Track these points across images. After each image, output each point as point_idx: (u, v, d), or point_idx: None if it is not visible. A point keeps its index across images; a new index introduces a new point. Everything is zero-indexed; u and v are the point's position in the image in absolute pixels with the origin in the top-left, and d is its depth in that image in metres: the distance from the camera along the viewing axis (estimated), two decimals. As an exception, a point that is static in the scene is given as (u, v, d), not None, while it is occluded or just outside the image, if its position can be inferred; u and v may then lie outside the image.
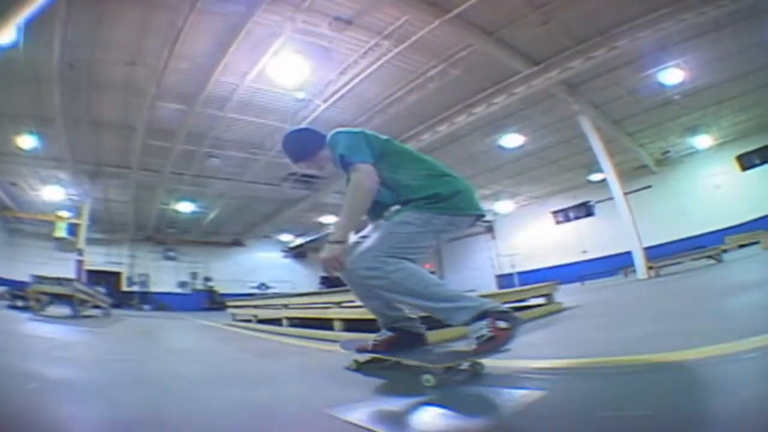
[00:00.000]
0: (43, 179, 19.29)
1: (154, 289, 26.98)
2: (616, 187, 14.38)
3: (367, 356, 2.79)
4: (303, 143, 2.80)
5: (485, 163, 18.77)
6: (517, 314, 2.46)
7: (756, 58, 12.57)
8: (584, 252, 21.28)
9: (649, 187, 19.93)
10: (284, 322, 7.26)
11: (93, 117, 14.00)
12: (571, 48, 11.82)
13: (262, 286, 28.90)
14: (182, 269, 28.59)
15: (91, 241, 24.73)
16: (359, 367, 2.75)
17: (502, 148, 16.82)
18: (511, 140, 16.35)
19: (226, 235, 29.09)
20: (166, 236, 27.78)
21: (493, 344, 2.16)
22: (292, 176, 19.82)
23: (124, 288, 26.31)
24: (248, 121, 14.74)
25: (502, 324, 2.17)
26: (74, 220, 22.11)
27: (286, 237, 29.34)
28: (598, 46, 11.61)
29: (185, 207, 22.61)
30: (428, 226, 2.44)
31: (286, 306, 7.71)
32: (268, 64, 11.58)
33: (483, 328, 2.19)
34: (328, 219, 24.47)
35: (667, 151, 18.95)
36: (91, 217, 21.83)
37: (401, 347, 2.62)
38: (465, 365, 2.39)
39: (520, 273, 21.29)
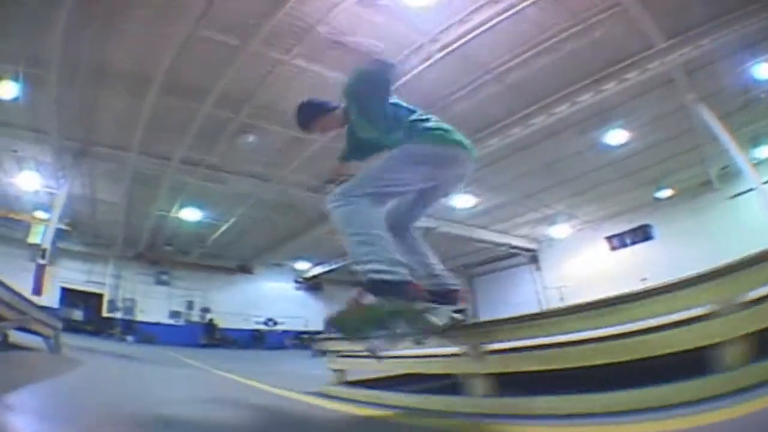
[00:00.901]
0: (19, 162, 15.88)
1: (140, 317, 23.16)
2: (754, 177, 12.22)
3: None
4: (311, 105, 3.14)
5: (563, 173, 15.39)
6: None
7: None
8: (643, 279, 18.33)
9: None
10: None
11: (98, 61, 10.60)
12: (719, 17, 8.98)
13: (269, 321, 25.27)
14: (176, 296, 24.67)
15: (70, 254, 21.66)
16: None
17: (604, 146, 13.83)
18: (616, 137, 13.42)
19: (231, 259, 25.35)
20: (161, 256, 24.05)
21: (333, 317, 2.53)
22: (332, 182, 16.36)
23: (105, 314, 22.67)
24: (316, 74, 10.93)
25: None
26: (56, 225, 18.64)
27: (301, 265, 25.73)
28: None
29: (190, 215, 19.00)
30: (405, 157, 2.54)
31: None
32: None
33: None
34: None
35: (726, 166, 15.88)
36: (72, 220, 18.78)
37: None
38: None
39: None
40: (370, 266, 2.25)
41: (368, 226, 2.32)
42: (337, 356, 4.49)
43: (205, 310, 24.80)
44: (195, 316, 24.56)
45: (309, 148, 13.84)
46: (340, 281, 26.21)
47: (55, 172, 14.99)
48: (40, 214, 18.65)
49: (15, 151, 15.04)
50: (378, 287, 2.22)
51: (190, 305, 24.82)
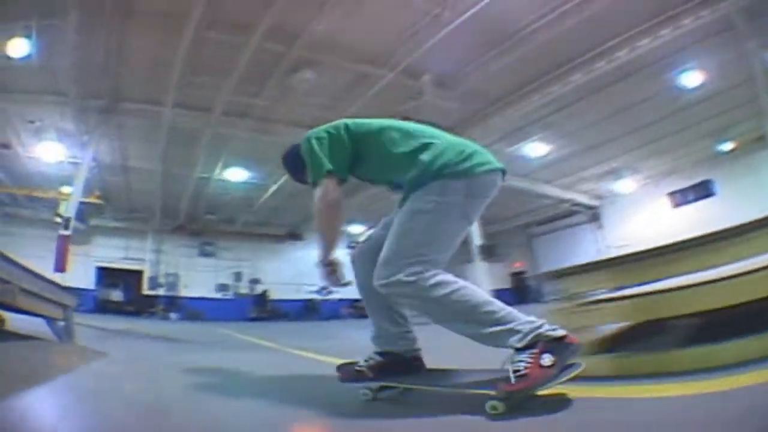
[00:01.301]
0: (38, 133, 13.94)
1: (184, 293, 21.64)
2: None
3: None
4: (294, 158, 2.37)
5: (630, 121, 13.82)
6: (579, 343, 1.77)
7: None
8: (708, 238, 16.52)
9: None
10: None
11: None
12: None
13: (323, 290, 23.10)
14: (223, 268, 23.03)
15: (104, 231, 20.34)
16: (375, 397, 2.10)
17: (675, 89, 12.30)
18: (688, 79, 11.93)
19: (279, 226, 23.29)
20: (204, 226, 22.25)
21: (521, 386, 1.63)
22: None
23: (146, 291, 21.28)
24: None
25: (547, 359, 1.66)
26: (84, 199, 16.91)
27: (355, 228, 23.31)
28: None
29: (235, 175, 17.01)
30: (447, 204, 1.96)
31: None
32: None
33: (524, 359, 1.68)
34: None
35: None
36: (103, 192, 17.52)
37: (394, 372, 2.11)
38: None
39: (639, 268, 16.67)
40: (529, 325, 1.75)
41: (478, 292, 1.89)
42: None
43: (255, 281, 23.20)
44: (244, 289, 23.02)
45: (376, 84, 11.66)
46: None
47: (79, 138, 13.03)
48: (67, 190, 17.03)
49: (32, 122, 13.29)
50: (555, 346, 1.70)
51: (238, 277, 23.10)
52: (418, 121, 2.38)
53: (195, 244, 22.77)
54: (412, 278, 1.85)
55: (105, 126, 12.82)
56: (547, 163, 16.37)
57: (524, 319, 1.78)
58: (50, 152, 14.92)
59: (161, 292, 21.18)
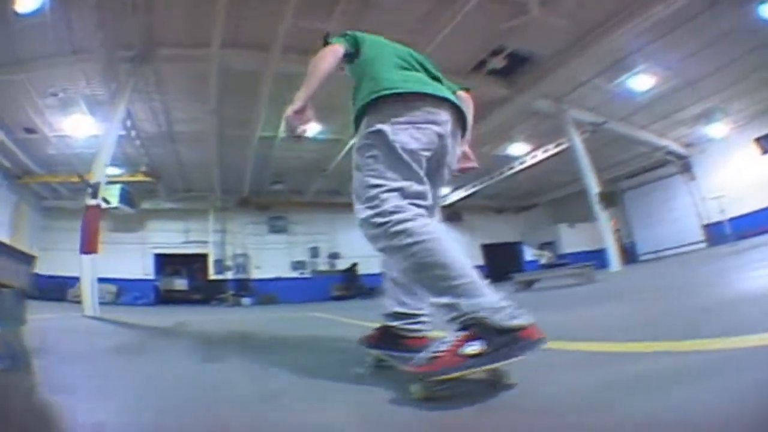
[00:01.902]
0: (63, 105, 11.58)
1: (256, 274, 19.05)
2: None
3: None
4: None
5: (731, 51, 11.50)
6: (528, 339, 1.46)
7: None
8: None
9: None
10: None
11: None
12: None
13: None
14: (297, 244, 20.23)
15: (160, 214, 18.85)
16: (378, 363, 2.12)
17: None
18: None
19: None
20: (271, 198, 19.53)
21: (422, 369, 1.47)
22: (494, 56, 11.14)
23: (213, 276, 18.89)
24: None
25: (472, 348, 1.42)
26: (127, 178, 14.89)
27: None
28: None
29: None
30: (393, 129, 1.73)
31: None
32: None
33: (448, 341, 1.49)
34: (518, 148, 17.05)
35: None
36: (150, 167, 15.21)
37: (390, 344, 2.07)
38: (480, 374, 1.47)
39: (732, 219, 16.11)
40: (471, 301, 1.57)
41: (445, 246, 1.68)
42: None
43: (334, 256, 20.35)
44: (322, 265, 20.25)
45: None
46: (481, 208, 23.08)
47: (110, 98, 10.23)
48: (111, 170, 14.58)
49: (55, 94, 11.16)
50: (489, 336, 1.50)
51: (314, 252, 20.29)
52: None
53: (263, 220, 20.13)
54: (370, 213, 1.72)
55: (140, 80, 10.19)
56: (644, 102, 13.97)
57: (479, 297, 1.49)
58: (80, 126, 12.47)
59: (230, 276, 18.72)
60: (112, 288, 16.12)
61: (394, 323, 2.04)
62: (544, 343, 1.46)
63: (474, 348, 1.41)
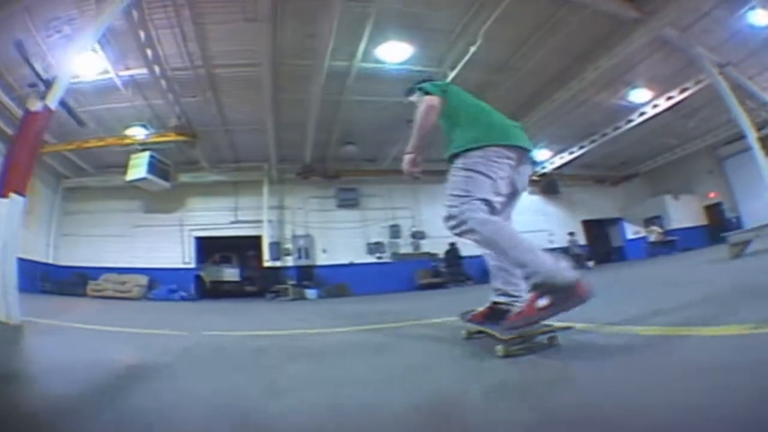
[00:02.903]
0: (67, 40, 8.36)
1: (322, 260, 15.68)
2: None
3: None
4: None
5: None
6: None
7: None
8: None
9: None
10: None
11: None
12: None
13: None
14: (372, 222, 16.65)
15: (201, 188, 15.53)
16: (469, 336, 2.87)
17: None
18: None
19: (440, 156, 16.33)
20: (340, 166, 16.18)
21: (512, 319, 2.30)
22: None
23: (268, 263, 15.33)
24: None
25: (542, 302, 2.17)
26: (154, 139, 12.02)
27: (540, 154, 17.51)
28: None
29: (392, 53, 9.97)
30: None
31: None
32: None
33: (527, 300, 2.29)
34: (640, 94, 13.66)
35: None
36: (181, 120, 11.92)
37: (493, 319, 2.68)
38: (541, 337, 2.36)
39: None
40: (543, 269, 2.32)
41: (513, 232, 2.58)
42: None
43: (418, 235, 16.72)
44: (404, 247, 16.65)
45: None
46: (580, 179, 19.53)
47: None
48: (135, 131, 11.83)
49: (59, 31, 8.40)
50: (554, 290, 2.21)
51: (395, 232, 16.57)
52: None
53: (330, 193, 16.58)
54: (455, 211, 2.60)
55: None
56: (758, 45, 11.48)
57: (542, 265, 2.18)
58: (86, 65, 9.09)
59: (288, 262, 15.39)
60: (142, 279, 13.42)
61: (502, 299, 2.70)
62: (591, 296, 2.10)
63: (543, 302, 2.14)
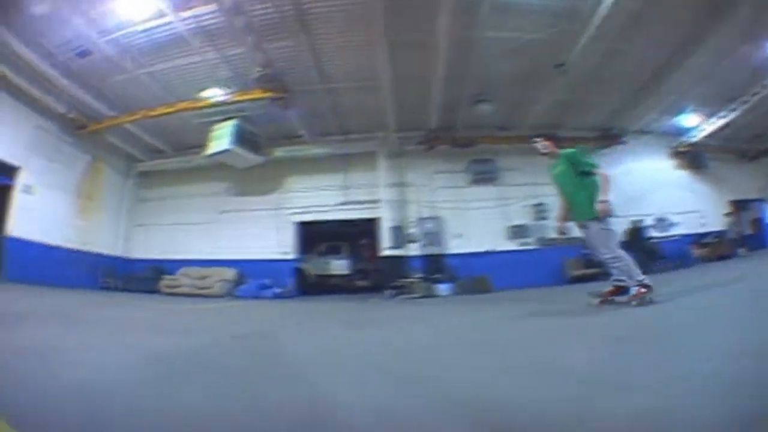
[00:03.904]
0: None
1: (454, 248, 12.77)
2: None
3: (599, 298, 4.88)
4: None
5: None
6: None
7: None
8: None
9: None
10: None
11: None
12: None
13: (660, 222, 14.09)
14: (513, 200, 13.43)
15: (303, 165, 13.30)
16: (601, 302, 4.84)
17: None
18: None
19: (586, 119, 13.43)
20: (472, 131, 13.08)
21: (637, 295, 4.35)
22: None
23: (386, 252, 12.84)
24: None
25: (643, 292, 4.33)
26: (236, 97, 9.76)
27: (687, 120, 14.55)
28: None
29: None
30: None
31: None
32: None
33: (637, 288, 4.41)
34: None
35: None
36: (264, 70, 9.27)
37: (616, 295, 4.77)
38: (623, 299, 4.63)
39: None
40: (637, 277, 4.50)
41: (630, 260, 4.72)
42: None
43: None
44: (553, 231, 12.65)
45: None
46: (727, 152, 15.43)
47: None
48: (209, 93, 9.88)
49: None
50: (644, 284, 4.43)
51: (540, 212, 13.21)
52: None
53: (461, 166, 13.57)
54: (613, 254, 4.71)
55: None
56: None
57: (638, 272, 4.41)
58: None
59: (414, 251, 12.74)
60: (228, 273, 11.91)
61: (624, 284, 4.61)
62: (653, 291, 4.28)
63: (643, 292, 4.29)
